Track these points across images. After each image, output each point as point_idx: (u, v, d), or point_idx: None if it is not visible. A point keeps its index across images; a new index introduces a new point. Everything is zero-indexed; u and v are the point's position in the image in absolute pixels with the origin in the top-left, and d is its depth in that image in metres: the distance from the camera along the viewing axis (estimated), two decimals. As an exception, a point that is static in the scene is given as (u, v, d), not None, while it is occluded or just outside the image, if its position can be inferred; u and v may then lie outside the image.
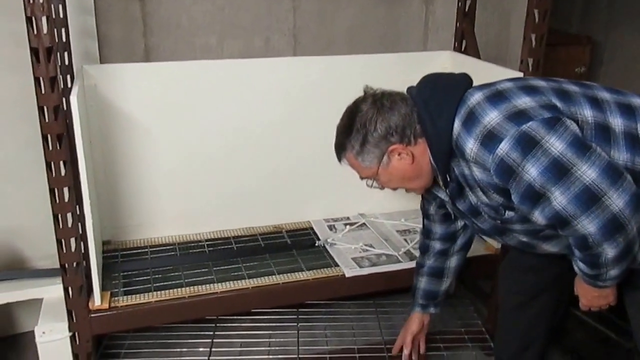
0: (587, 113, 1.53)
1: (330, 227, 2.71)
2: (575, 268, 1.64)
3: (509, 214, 1.62)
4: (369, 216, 2.82)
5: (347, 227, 2.71)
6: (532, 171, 1.44)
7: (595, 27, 3.91)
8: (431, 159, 1.66)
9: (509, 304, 2.16)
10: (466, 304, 2.83)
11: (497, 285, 2.45)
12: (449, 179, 1.68)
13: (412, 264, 2.34)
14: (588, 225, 1.45)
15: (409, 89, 1.71)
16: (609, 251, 1.49)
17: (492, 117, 1.50)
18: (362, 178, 1.78)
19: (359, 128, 1.67)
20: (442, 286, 2.15)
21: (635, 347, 1.94)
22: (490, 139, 1.48)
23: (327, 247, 2.53)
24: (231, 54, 2.77)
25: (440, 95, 1.61)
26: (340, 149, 1.74)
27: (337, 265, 2.39)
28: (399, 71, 2.55)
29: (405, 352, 2.24)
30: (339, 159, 1.77)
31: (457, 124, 1.56)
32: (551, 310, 2.12)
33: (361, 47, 2.92)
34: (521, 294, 2.10)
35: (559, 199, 1.44)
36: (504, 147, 1.46)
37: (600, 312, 2.00)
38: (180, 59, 2.67)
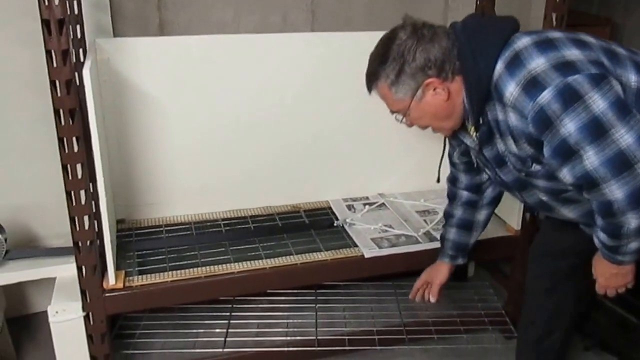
0: (632, 77, 1.46)
1: (349, 207, 2.64)
2: (595, 240, 1.60)
3: (535, 167, 1.56)
4: (388, 196, 2.74)
5: (366, 207, 2.63)
6: (569, 126, 1.38)
7: (615, 8, 3.79)
8: (465, 99, 1.58)
9: (536, 288, 2.09)
10: (485, 287, 2.76)
11: (526, 269, 2.41)
12: (481, 122, 1.60)
13: (432, 245, 2.31)
14: (616, 191, 1.41)
15: (453, 24, 1.61)
16: (632, 221, 1.44)
17: (538, 63, 1.42)
18: (392, 112, 1.68)
19: (396, 57, 1.56)
20: (472, 239, 2.08)
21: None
22: (533, 86, 1.41)
23: (345, 227, 2.45)
24: (247, 29, 2.65)
25: (486, 34, 1.53)
26: (373, 77, 1.62)
27: (355, 245, 2.31)
28: None
29: (432, 300, 2.15)
30: (370, 89, 1.66)
31: (499, 66, 1.49)
32: (577, 296, 2.06)
33: (379, 24, 2.74)
34: (549, 279, 2.03)
35: (592, 159, 1.40)
36: (546, 96, 1.39)
37: (619, 296, 1.98)
38: (195, 34, 2.54)
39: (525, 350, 2.17)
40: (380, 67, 1.59)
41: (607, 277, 1.65)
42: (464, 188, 2.00)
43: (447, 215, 2.09)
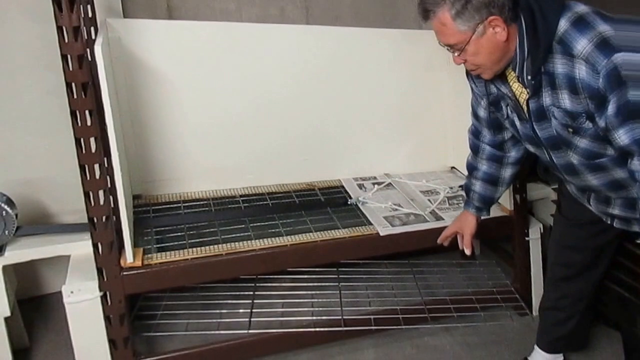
0: None
1: (360, 186, 2.57)
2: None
3: (588, 124, 1.49)
4: (394, 176, 2.70)
5: (376, 186, 2.57)
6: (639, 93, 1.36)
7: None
8: (521, 47, 1.52)
9: (555, 275, 2.07)
10: (493, 265, 2.69)
11: (525, 248, 2.47)
12: (542, 71, 1.53)
13: (440, 224, 2.26)
14: None
15: None
16: None
17: (605, 28, 1.39)
18: (445, 44, 1.56)
19: None
20: (497, 193, 2.03)
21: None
22: (605, 45, 1.38)
23: (359, 205, 2.37)
24: (249, 19, 2.69)
25: None
26: (434, 4, 1.50)
27: (370, 224, 2.23)
28: (399, 45, 2.59)
29: (467, 252, 2.07)
30: (428, 16, 1.52)
31: (563, 23, 1.44)
32: (595, 284, 2.05)
33: (365, 22, 2.88)
34: (567, 268, 2.01)
35: None
36: (620, 57, 1.35)
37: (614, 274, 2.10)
38: (201, 20, 2.59)
39: (547, 331, 2.15)
40: None
41: None
42: (488, 142, 1.94)
43: (471, 167, 2.03)
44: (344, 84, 2.53)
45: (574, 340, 2.18)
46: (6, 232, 1.93)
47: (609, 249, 1.95)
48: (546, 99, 1.54)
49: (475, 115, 1.93)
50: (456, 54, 1.58)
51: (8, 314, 1.95)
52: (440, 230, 2.17)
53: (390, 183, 2.62)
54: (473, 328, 2.35)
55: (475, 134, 1.98)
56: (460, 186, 2.55)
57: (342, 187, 2.55)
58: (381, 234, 2.17)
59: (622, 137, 1.42)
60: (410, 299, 2.39)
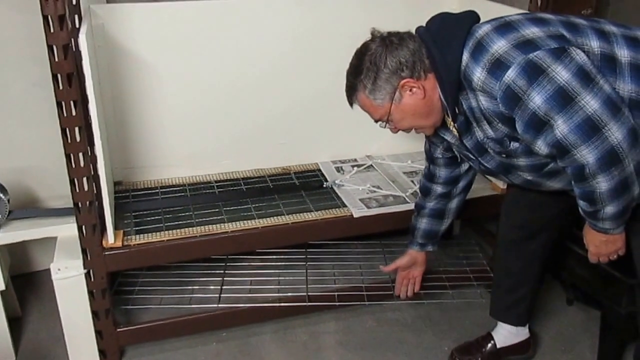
0: (594, 44, 1.55)
1: (338, 169, 2.71)
2: (580, 209, 1.67)
3: (513, 145, 1.63)
4: (376, 158, 2.82)
5: (355, 168, 2.71)
6: (537, 99, 1.46)
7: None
8: (440, 93, 1.66)
9: (508, 239, 2.19)
10: (471, 244, 2.87)
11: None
12: (457, 112, 1.67)
13: None
14: (587, 155, 1.48)
15: (417, 28, 1.70)
16: (603, 184, 1.52)
17: (500, 45, 1.51)
18: (376, 121, 1.76)
19: (370, 66, 1.66)
20: (442, 226, 2.18)
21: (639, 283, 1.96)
22: (497, 67, 1.49)
23: (335, 188, 2.53)
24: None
25: (448, 30, 1.62)
26: (352, 90, 1.72)
27: (345, 206, 2.39)
28: (405, 11, 2.58)
29: (409, 294, 2.29)
30: (351, 103, 1.76)
31: (465, 56, 1.57)
32: (548, 249, 2.17)
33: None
34: (521, 230, 2.13)
35: (562, 127, 1.47)
36: (510, 75, 1.47)
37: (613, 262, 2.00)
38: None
39: (500, 297, 2.28)
40: (356, 79, 1.70)
41: (597, 244, 1.72)
42: (441, 183, 2.08)
43: (419, 207, 2.17)
44: (326, 62, 2.46)
45: (527, 309, 2.26)
46: (0, 215, 2.10)
47: (565, 211, 2.02)
48: (478, 133, 1.68)
49: (430, 158, 2.07)
50: (387, 126, 1.75)
51: (3, 287, 2.14)
52: None
53: (371, 165, 2.73)
54: (439, 304, 2.53)
55: (429, 177, 2.11)
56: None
57: (319, 170, 2.69)
58: (355, 215, 2.31)
59: (541, 147, 1.54)
60: (376, 277, 2.54)
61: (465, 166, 2.04)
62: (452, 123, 1.74)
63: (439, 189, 2.09)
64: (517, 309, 2.25)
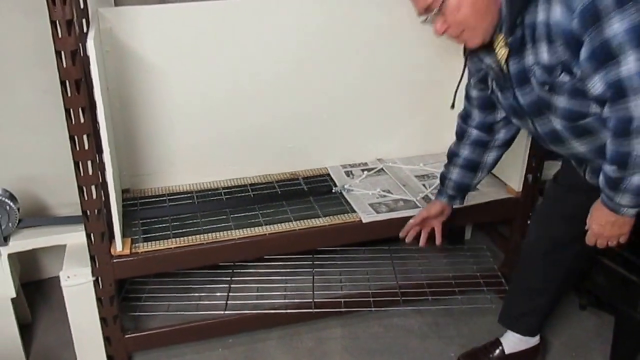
0: None
1: (348, 173, 2.73)
2: (600, 179, 1.63)
3: (564, 77, 1.55)
4: (387, 161, 2.83)
5: (365, 172, 2.72)
6: (616, 26, 1.38)
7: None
8: (505, 2, 1.56)
9: (537, 249, 2.15)
10: (482, 250, 2.88)
11: (526, 230, 2.44)
12: (523, 23, 1.57)
13: None
14: None
15: None
16: None
17: None
18: (423, 8, 1.62)
19: None
20: (475, 180, 2.12)
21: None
22: None
23: (344, 193, 2.56)
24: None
25: None
26: None
27: (353, 211, 2.41)
28: (416, 18, 2.54)
29: (438, 242, 2.22)
30: None
31: None
32: (578, 262, 2.14)
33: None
34: (553, 241, 2.09)
35: (631, 65, 1.40)
36: None
37: (617, 252, 2.06)
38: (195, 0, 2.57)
39: (514, 305, 2.27)
40: None
41: (603, 224, 1.68)
42: (475, 126, 2.01)
43: (452, 154, 2.11)
44: (336, 66, 2.58)
45: (539, 321, 2.25)
46: (10, 224, 2.14)
47: None
48: (529, 57, 1.59)
49: (467, 96, 2.00)
50: (436, 19, 1.61)
51: (14, 295, 2.19)
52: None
53: (382, 169, 2.73)
54: (446, 310, 2.55)
55: (464, 118, 2.05)
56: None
57: (328, 175, 2.71)
58: (364, 221, 2.33)
59: (596, 85, 1.45)
60: (384, 283, 2.61)
61: (500, 114, 1.97)
62: (502, 42, 1.64)
63: (473, 132, 2.03)
64: (529, 318, 2.24)
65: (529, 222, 2.41)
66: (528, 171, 2.47)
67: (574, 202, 1.92)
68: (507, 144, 2.06)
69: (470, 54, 1.81)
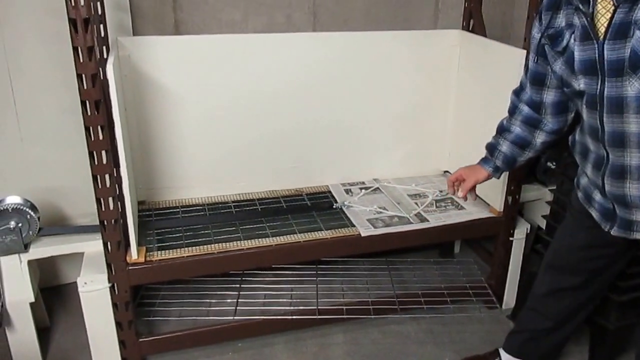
0: None
1: (347, 191, 2.70)
2: None
3: None
4: (382, 181, 2.79)
5: (363, 191, 2.69)
6: None
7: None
8: None
9: (542, 294, 2.03)
10: (470, 263, 2.85)
11: (507, 246, 2.50)
12: None
13: (423, 225, 2.38)
14: None
15: None
16: None
17: None
18: None
19: None
20: (522, 157, 1.93)
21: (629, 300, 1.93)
22: None
23: (344, 209, 2.51)
24: (255, 29, 2.72)
25: None
26: None
27: (353, 225, 2.37)
28: (410, 47, 2.61)
29: (460, 194, 2.06)
30: None
31: None
32: (596, 299, 2.01)
33: (375, 25, 2.88)
34: (576, 276, 1.93)
35: None
36: None
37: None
38: (208, 32, 2.64)
39: (528, 338, 2.12)
40: None
41: None
42: (526, 101, 1.84)
43: (503, 128, 1.94)
44: (338, 94, 2.58)
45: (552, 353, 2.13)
46: (30, 232, 2.09)
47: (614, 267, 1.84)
48: (638, 12, 1.37)
49: (526, 68, 1.82)
50: None
51: (32, 299, 2.14)
52: (421, 231, 2.35)
53: (378, 187, 2.70)
54: (440, 318, 2.51)
55: (517, 92, 1.88)
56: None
57: (329, 192, 2.67)
58: (362, 234, 2.29)
59: None
60: (382, 292, 2.55)
61: (549, 96, 1.77)
62: None
63: (525, 109, 1.85)
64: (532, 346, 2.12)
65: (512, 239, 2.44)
66: (508, 194, 2.43)
67: (573, 253, 1.86)
68: (556, 133, 1.85)
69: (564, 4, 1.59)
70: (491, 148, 1.98)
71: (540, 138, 1.86)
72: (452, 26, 2.82)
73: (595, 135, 1.57)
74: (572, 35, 1.54)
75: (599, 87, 1.49)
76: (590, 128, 1.59)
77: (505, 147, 1.93)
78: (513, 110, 1.90)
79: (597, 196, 1.67)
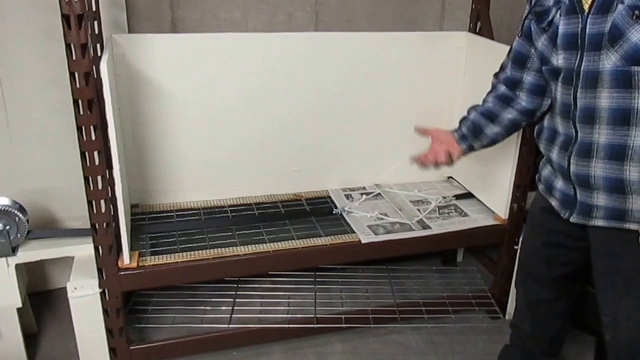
0: None
1: (347, 196, 2.69)
2: None
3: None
4: (384, 186, 2.79)
5: (363, 196, 2.68)
6: None
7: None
8: None
9: (526, 302, 2.08)
10: (473, 272, 2.84)
11: (511, 255, 2.46)
12: None
13: (425, 232, 2.38)
14: None
15: None
16: None
17: None
18: None
19: None
20: (488, 129, 1.95)
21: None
22: None
23: (344, 214, 2.50)
24: (255, 28, 2.71)
25: None
26: None
27: (353, 232, 2.36)
28: (415, 49, 2.59)
29: (441, 160, 2.05)
30: None
31: None
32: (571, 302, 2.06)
33: (379, 25, 2.87)
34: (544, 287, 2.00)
35: None
36: None
37: None
38: (206, 31, 2.62)
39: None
40: None
41: None
42: (504, 80, 1.90)
43: (476, 104, 2.01)
44: (339, 97, 2.56)
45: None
46: (19, 235, 2.07)
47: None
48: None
49: (510, 49, 1.88)
50: None
51: (20, 305, 2.11)
52: (423, 239, 2.34)
53: (379, 193, 2.70)
54: (442, 328, 2.49)
55: (497, 74, 1.95)
56: (454, 196, 2.65)
57: (329, 197, 2.66)
58: (363, 241, 2.28)
59: None
60: (382, 301, 2.54)
61: (528, 77, 1.82)
62: None
63: (501, 87, 1.91)
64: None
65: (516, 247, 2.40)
66: (513, 200, 2.41)
67: (542, 262, 1.92)
68: (526, 114, 1.88)
69: None
70: (461, 119, 2.04)
71: (509, 114, 1.91)
72: (459, 28, 2.83)
73: (567, 113, 1.64)
74: (559, 11, 1.61)
75: (576, 62, 1.56)
76: (562, 106, 1.66)
77: (472, 115, 1.98)
78: (491, 88, 1.97)
79: (559, 183, 1.73)
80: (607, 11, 1.46)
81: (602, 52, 1.49)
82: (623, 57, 1.45)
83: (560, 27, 1.60)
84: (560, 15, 1.61)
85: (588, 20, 1.51)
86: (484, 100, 1.97)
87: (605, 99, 1.51)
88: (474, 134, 1.98)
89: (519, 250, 2.12)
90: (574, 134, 1.62)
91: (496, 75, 1.96)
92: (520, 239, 2.40)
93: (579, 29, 1.53)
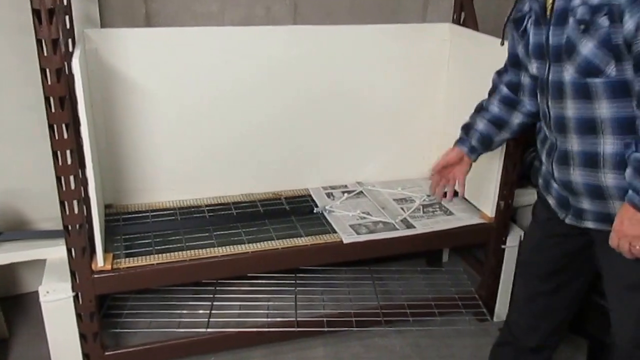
0: None
1: (329, 195, 2.70)
2: (629, 166, 1.50)
3: (604, 21, 1.46)
4: (367, 185, 2.80)
5: (345, 195, 2.69)
6: None
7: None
8: None
9: (526, 305, 2.07)
10: (459, 272, 2.87)
11: (499, 255, 2.51)
12: None
13: (409, 232, 2.40)
14: None
15: None
16: None
17: None
18: None
19: None
20: (498, 137, 2.01)
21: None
22: None
23: (325, 214, 2.51)
24: (232, 21, 2.72)
25: None
26: None
27: (335, 231, 2.37)
28: (397, 42, 2.62)
29: (461, 193, 2.11)
30: None
31: None
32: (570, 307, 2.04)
33: (360, 17, 2.89)
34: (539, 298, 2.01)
35: None
36: None
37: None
38: (181, 25, 2.62)
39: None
40: None
41: (624, 221, 1.52)
42: (506, 83, 1.93)
43: (481, 108, 2.02)
44: (318, 91, 2.57)
45: None
46: None
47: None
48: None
49: (509, 52, 1.91)
50: None
51: None
52: (407, 238, 2.35)
53: (361, 191, 2.71)
54: (427, 331, 2.52)
55: (500, 72, 1.97)
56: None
57: (310, 196, 2.68)
58: (345, 241, 2.30)
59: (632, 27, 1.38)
60: (365, 303, 2.57)
61: (525, 78, 1.85)
62: None
63: (504, 89, 1.94)
64: None
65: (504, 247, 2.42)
66: (500, 198, 2.44)
67: (544, 260, 1.92)
68: (532, 116, 1.91)
69: None
70: (467, 127, 2.05)
71: (517, 119, 1.94)
72: (442, 19, 2.85)
73: (546, 120, 1.72)
74: (530, 20, 1.70)
75: (546, 71, 1.64)
76: (542, 113, 1.75)
77: (482, 125, 2.00)
78: (493, 90, 1.99)
79: (554, 184, 1.77)
80: (563, 23, 1.55)
81: (562, 64, 1.58)
82: (577, 70, 1.54)
83: (530, 36, 1.69)
84: (530, 24, 1.69)
85: (550, 31, 1.59)
86: (489, 103, 1.99)
87: (571, 109, 1.60)
88: (484, 145, 2.02)
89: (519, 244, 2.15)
90: (554, 141, 1.70)
91: (499, 74, 1.98)
92: (517, 236, 2.49)
93: (544, 39, 1.62)
